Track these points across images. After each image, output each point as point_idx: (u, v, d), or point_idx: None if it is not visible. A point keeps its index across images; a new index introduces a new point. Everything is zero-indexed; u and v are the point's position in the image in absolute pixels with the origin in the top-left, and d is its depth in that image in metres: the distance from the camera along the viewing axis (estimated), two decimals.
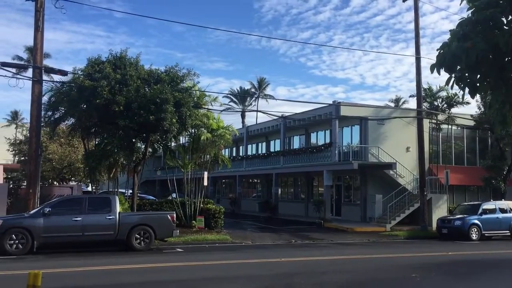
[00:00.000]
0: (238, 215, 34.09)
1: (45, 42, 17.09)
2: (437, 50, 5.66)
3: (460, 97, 27.19)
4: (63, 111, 20.20)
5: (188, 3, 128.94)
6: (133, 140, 19.83)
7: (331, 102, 29.45)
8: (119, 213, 15.87)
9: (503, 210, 22.53)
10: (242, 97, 64.29)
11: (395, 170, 27.29)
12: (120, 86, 17.50)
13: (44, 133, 24.11)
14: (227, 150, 41.79)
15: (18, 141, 36.45)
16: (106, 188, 32.41)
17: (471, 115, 29.84)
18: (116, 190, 23.90)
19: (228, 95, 63.31)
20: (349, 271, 12.37)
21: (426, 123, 27.45)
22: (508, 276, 12.67)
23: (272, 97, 65.06)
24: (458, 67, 5.51)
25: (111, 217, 15.50)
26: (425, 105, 28.57)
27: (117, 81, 17.48)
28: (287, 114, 32.03)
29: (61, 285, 9.53)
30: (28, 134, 23.75)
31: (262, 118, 64.72)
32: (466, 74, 5.61)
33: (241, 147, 43.27)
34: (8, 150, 37.44)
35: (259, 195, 41.43)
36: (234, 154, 43.73)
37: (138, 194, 23.32)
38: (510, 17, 5.32)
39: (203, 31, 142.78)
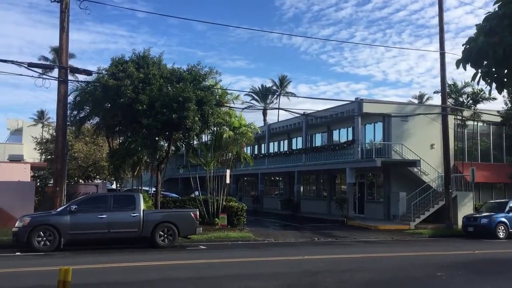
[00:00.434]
0: (260, 213, 34.13)
1: (70, 42, 17.39)
2: (463, 45, 5.57)
3: (487, 92, 26.61)
4: (88, 110, 20.55)
5: (210, 2, 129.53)
6: (156, 138, 20.04)
7: (353, 99, 29.24)
8: (143, 210, 16.07)
9: None
10: (263, 95, 64.28)
11: (419, 168, 26.92)
12: (143, 85, 17.71)
13: (69, 132, 24.55)
14: (249, 148, 41.86)
15: (44, 140, 37.16)
16: (130, 186, 32.87)
17: (498, 111, 29.25)
18: (140, 188, 24.22)
19: (250, 93, 63.44)
20: (373, 269, 12.27)
21: (451, 119, 27.00)
22: None
23: (293, 94, 64.88)
24: (485, 62, 5.42)
25: (135, 214, 15.71)
26: (450, 101, 28.11)
27: (140, 80, 17.69)
28: (309, 112, 31.90)
29: (88, 281, 9.71)
30: (55, 133, 24.21)
31: (284, 115, 64.79)
32: (493, 69, 5.50)
33: (263, 145, 43.29)
34: (35, 149, 38.23)
35: (281, 193, 41.40)
36: (256, 152, 43.76)
37: (162, 192, 23.55)
38: None
39: (224, 30, 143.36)
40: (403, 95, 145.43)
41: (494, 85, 5.60)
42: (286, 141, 40.32)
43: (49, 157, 32.52)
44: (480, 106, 29.55)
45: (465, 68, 5.56)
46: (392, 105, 28.63)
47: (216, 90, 20.51)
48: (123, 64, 18.25)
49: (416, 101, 56.47)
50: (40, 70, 19.40)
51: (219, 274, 11.23)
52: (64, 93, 17.13)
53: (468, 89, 29.39)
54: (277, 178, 43.32)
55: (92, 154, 29.28)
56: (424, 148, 27.65)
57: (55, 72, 17.33)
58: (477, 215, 22.16)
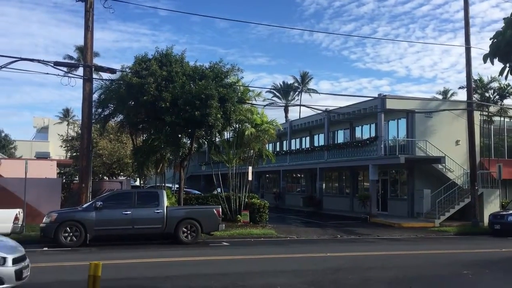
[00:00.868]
0: (282, 210, 34.12)
1: (94, 41, 17.63)
2: (490, 39, 5.48)
3: None
4: (112, 108, 20.82)
5: (231, 0, 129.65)
6: (179, 135, 20.19)
7: (376, 95, 28.91)
8: (166, 207, 16.24)
9: None
10: (285, 91, 64.10)
11: (444, 164, 26.50)
12: (166, 83, 17.86)
13: (94, 129, 24.94)
14: (270, 145, 41.82)
15: (70, 138, 37.81)
16: (153, 183, 33.21)
17: None
18: (163, 184, 24.46)
19: (271, 90, 63.37)
20: (397, 266, 12.16)
21: (476, 115, 26.47)
22: None
23: (315, 91, 64.54)
24: None
25: (159, 211, 15.88)
26: (475, 96, 27.60)
27: (163, 78, 17.84)
28: (331, 108, 31.71)
29: (113, 276, 9.85)
30: (80, 131, 24.63)
31: (305, 112, 64.54)
32: None
33: (284, 142, 43.21)
34: (61, 146, 38.93)
35: (303, 190, 41.29)
36: (277, 149, 43.73)
37: (184, 189, 23.74)
38: None
39: (245, 27, 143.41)
40: (427, 91, 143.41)
41: None
42: (308, 138, 40.17)
43: (75, 154, 33.09)
44: (507, 101, 28.94)
45: (492, 63, 5.48)
46: (416, 101, 28.20)
47: (238, 87, 20.54)
48: (146, 62, 18.41)
49: (440, 96, 55.64)
50: (65, 69, 19.77)
51: (242, 270, 11.29)
52: (89, 91, 17.41)
53: (495, 84, 28.81)
54: (299, 175, 43.21)
55: (116, 151, 29.69)
56: (449, 145, 27.20)
57: (80, 71, 17.71)
58: (504, 213, 21.76)
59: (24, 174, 17.81)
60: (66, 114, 70.48)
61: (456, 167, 26.93)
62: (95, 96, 19.80)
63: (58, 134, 42.12)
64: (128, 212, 15.55)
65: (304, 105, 34.83)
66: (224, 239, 17.42)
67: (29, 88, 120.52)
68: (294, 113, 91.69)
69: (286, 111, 62.47)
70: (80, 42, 18.98)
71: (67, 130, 53.51)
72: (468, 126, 24.34)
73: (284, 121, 47.04)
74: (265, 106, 25.33)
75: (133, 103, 18.99)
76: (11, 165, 24.69)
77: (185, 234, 16.02)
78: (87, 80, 17.18)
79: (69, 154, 38.29)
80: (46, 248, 14.52)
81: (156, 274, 10.59)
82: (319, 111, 28.77)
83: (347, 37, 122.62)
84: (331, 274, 10.78)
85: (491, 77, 29.03)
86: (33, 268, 8.93)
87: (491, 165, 27.33)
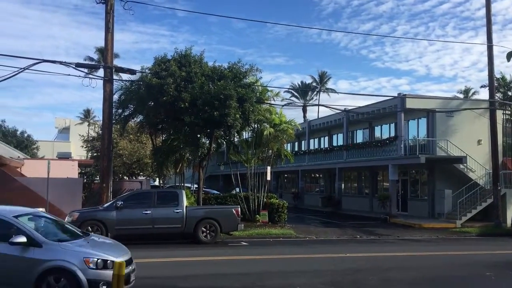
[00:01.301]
0: (300, 210, 34.02)
1: (114, 42, 17.79)
2: None
3: None
4: (132, 109, 21.05)
5: (248, 0, 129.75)
6: (198, 135, 20.29)
7: (395, 95, 28.62)
8: (186, 207, 16.34)
9: None
10: (303, 91, 63.92)
11: (465, 164, 26.10)
12: (185, 83, 17.97)
13: (114, 130, 25.24)
14: (289, 144, 41.74)
15: (90, 138, 38.32)
16: (172, 183, 33.47)
17: None
18: (182, 184, 24.62)
19: (290, 90, 63.24)
20: (417, 268, 12.03)
21: (499, 114, 25.97)
22: None
23: (333, 90, 64.11)
24: None
25: (178, 210, 15.99)
26: (498, 95, 27.15)
27: (183, 78, 17.96)
28: (350, 108, 31.50)
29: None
30: (100, 131, 24.94)
31: (324, 112, 64.19)
32: None
33: (303, 142, 43.10)
34: (82, 146, 39.47)
35: (321, 190, 41.11)
36: (296, 149, 43.62)
37: (203, 189, 23.85)
38: None
39: (263, 27, 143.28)
40: (447, 90, 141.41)
41: None
42: (326, 138, 39.98)
43: (95, 154, 33.55)
44: None
45: None
46: (437, 100, 27.82)
47: (256, 87, 20.55)
48: (165, 63, 18.55)
49: (461, 95, 54.80)
50: (86, 70, 20.00)
51: (261, 270, 11.30)
52: (110, 92, 17.59)
53: None
54: (318, 175, 43.04)
55: (136, 151, 29.99)
56: (470, 144, 26.77)
57: (100, 72, 17.83)
58: None
59: (46, 174, 18.10)
60: (86, 115, 71.41)
61: (478, 167, 26.50)
62: (115, 97, 20.04)
63: (79, 135, 42.72)
64: (148, 212, 15.69)
65: (322, 105, 34.77)
66: (243, 239, 17.44)
67: (50, 90, 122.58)
68: (312, 113, 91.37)
69: (304, 111, 62.31)
70: (100, 43, 19.23)
71: (88, 131, 54.19)
72: (490, 125, 23.94)
73: (303, 121, 46.93)
74: (283, 106, 25.31)
75: (152, 103, 19.15)
76: (33, 165, 25.13)
77: (204, 233, 16.09)
78: (108, 81, 17.36)
79: (90, 154, 38.83)
80: None
81: (175, 273, 10.68)
82: (338, 111, 28.60)
83: (366, 36, 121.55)
84: (351, 275, 10.71)
85: None
86: None
87: None
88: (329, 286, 9.55)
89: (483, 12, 23.53)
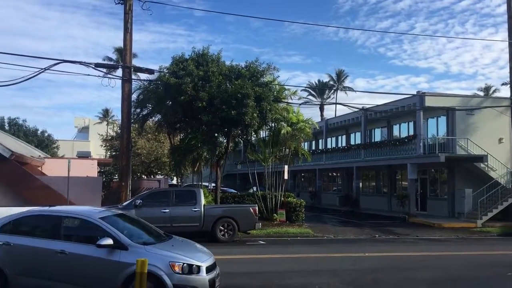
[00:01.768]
0: (318, 209, 33.88)
1: (132, 42, 17.93)
2: None
3: None
4: (150, 108, 21.19)
5: None
6: (216, 134, 20.35)
7: (413, 93, 28.30)
8: (204, 205, 16.40)
9: None
10: (320, 90, 63.62)
11: (486, 163, 25.68)
12: (203, 83, 18.04)
13: (133, 129, 25.47)
14: (306, 143, 41.62)
15: (109, 137, 38.74)
16: (189, 182, 33.67)
17: None
18: (200, 183, 24.73)
19: (307, 89, 62.96)
20: (437, 267, 11.88)
21: None
22: None
23: (351, 89, 63.76)
24: None
25: (196, 209, 16.06)
26: None
27: (200, 77, 18.02)
28: (368, 106, 31.26)
29: None
30: (119, 131, 25.17)
31: (341, 111, 63.77)
32: None
33: (320, 141, 42.91)
34: (101, 145, 39.93)
35: (339, 189, 40.89)
36: (313, 148, 43.45)
37: (221, 187, 23.93)
38: None
39: (279, 26, 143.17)
40: (467, 88, 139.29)
41: None
42: (344, 137, 39.74)
43: (114, 153, 33.91)
44: None
45: None
46: (456, 98, 27.42)
47: (274, 86, 20.52)
48: (183, 63, 18.63)
49: (481, 93, 54.00)
50: (105, 70, 20.21)
51: (280, 269, 11.29)
52: (128, 91, 17.73)
53: None
54: (335, 174, 42.80)
55: (154, 150, 30.24)
56: (491, 143, 26.33)
57: (119, 72, 17.95)
58: None
59: (66, 172, 18.34)
60: (105, 114, 72.20)
61: (499, 166, 26.06)
62: (133, 96, 20.19)
63: (98, 134, 43.22)
64: (167, 210, 15.79)
65: (340, 103, 34.57)
66: (260, 238, 17.45)
67: (70, 90, 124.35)
68: (329, 112, 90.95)
69: (321, 109, 62.02)
70: (118, 43, 19.41)
71: (107, 130, 54.82)
72: (511, 123, 23.50)
73: (320, 120, 46.73)
74: (300, 104, 25.28)
75: (170, 103, 19.26)
76: (54, 164, 25.48)
77: (222, 232, 16.14)
78: (127, 81, 17.49)
79: (109, 153, 39.25)
80: None
81: None
82: (356, 109, 28.38)
83: (383, 34, 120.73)
84: (370, 274, 10.64)
85: None
86: None
87: None
88: (349, 286, 9.50)
89: (503, 8, 23.17)
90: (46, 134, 54.73)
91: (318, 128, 32.28)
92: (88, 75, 21.51)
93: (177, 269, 7.16)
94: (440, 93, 31.21)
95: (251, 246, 15.88)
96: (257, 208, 17.46)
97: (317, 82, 67.70)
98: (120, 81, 17.64)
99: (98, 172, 28.92)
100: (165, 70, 19.04)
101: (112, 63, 46.27)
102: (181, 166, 23.33)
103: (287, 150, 24.30)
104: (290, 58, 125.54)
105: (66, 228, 7.86)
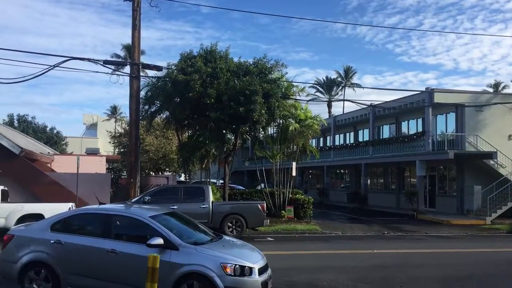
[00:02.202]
0: (326, 206, 33.84)
1: (140, 39, 17.94)
2: None
3: None
4: (158, 105, 21.22)
5: None
6: (224, 131, 20.36)
7: (422, 89, 28.11)
8: (212, 202, 16.44)
9: None
10: (328, 86, 63.36)
11: (495, 160, 25.50)
12: (211, 79, 18.04)
13: (141, 126, 25.52)
14: (314, 140, 41.53)
15: (118, 134, 38.83)
16: (197, 178, 33.71)
17: None
18: (208, 180, 24.75)
19: (314, 85, 62.76)
20: (447, 265, 11.83)
21: None
22: None
23: (359, 85, 63.47)
24: None
25: (205, 205, 16.11)
26: None
27: (208, 74, 18.03)
28: (376, 103, 31.11)
29: None
30: (127, 127, 25.23)
31: (349, 107, 63.66)
32: None
33: (328, 137, 42.82)
34: (109, 142, 40.05)
35: (347, 186, 40.82)
36: (321, 145, 43.37)
37: (229, 184, 23.95)
38: None
39: (287, 22, 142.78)
40: (476, 84, 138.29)
41: None
42: (352, 133, 39.62)
43: (122, 150, 34.02)
44: None
45: None
46: (466, 95, 27.22)
47: (282, 82, 20.49)
48: (191, 59, 18.65)
49: (491, 90, 53.58)
50: (113, 67, 20.25)
51: (288, 266, 11.28)
52: (137, 88, 17.75)
53: None
54: (343, 171, 42.72)
55: (162, 147, 30.30)
56: (501, 139, 26.13)
57: (127, 69, 18.02)
58: None
59: (75, 169, 18.45)
60: (114, 111, 72.39)
61: (508, 162, 25.86)
62: (142, 93, 20.19)
63: (107, 131, 43.34)
64: (175, 207, 15.75)
65: (348, 100, 34.59)
66: (268, 235, 17.46)
67: (79, 87, 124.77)
68: (337, 108, 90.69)
69: (329, 106, 61.81)
70: (126, 40, 19.48)
71: (115, 127, 54.92)
72: None
73: (328, 117, 46.58)
74: (308, 101, 25.19)
75: (178, 99, 19.29)
76: (63, 161, 25.65)
77: (230, 229, 16.18)
78: (135, 77, 17.52)
79: (117, 150, 39.39)
80: None
81: None
82: (364, 106, 28.36)
83: (392, 30, 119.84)
84: (379, 271, 10.61)
85: None
86: None
87: None
88: (357, 282, 9.48)
89: None
90: (55, 131, 55.08)
91: (326, 125, 32.19)
92: (97, 72, 21.49)
93: (228, 270, 6.90)
94: (449, 89, 30.98)
95: (259, 242, 15.83)
96: (265, 205, 17.46)
97: (324, 78, 67.37)
98: (128, 78, 17.68)
99: (107, 168, 29.06)
100: (173, 67, 19.05)
101: (120, 60, 46.44)
102: (189, 163, 23.35)
103: (295, 147, 24.28)
104: (298, 55, 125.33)
105: (116, 227, 7.72)
